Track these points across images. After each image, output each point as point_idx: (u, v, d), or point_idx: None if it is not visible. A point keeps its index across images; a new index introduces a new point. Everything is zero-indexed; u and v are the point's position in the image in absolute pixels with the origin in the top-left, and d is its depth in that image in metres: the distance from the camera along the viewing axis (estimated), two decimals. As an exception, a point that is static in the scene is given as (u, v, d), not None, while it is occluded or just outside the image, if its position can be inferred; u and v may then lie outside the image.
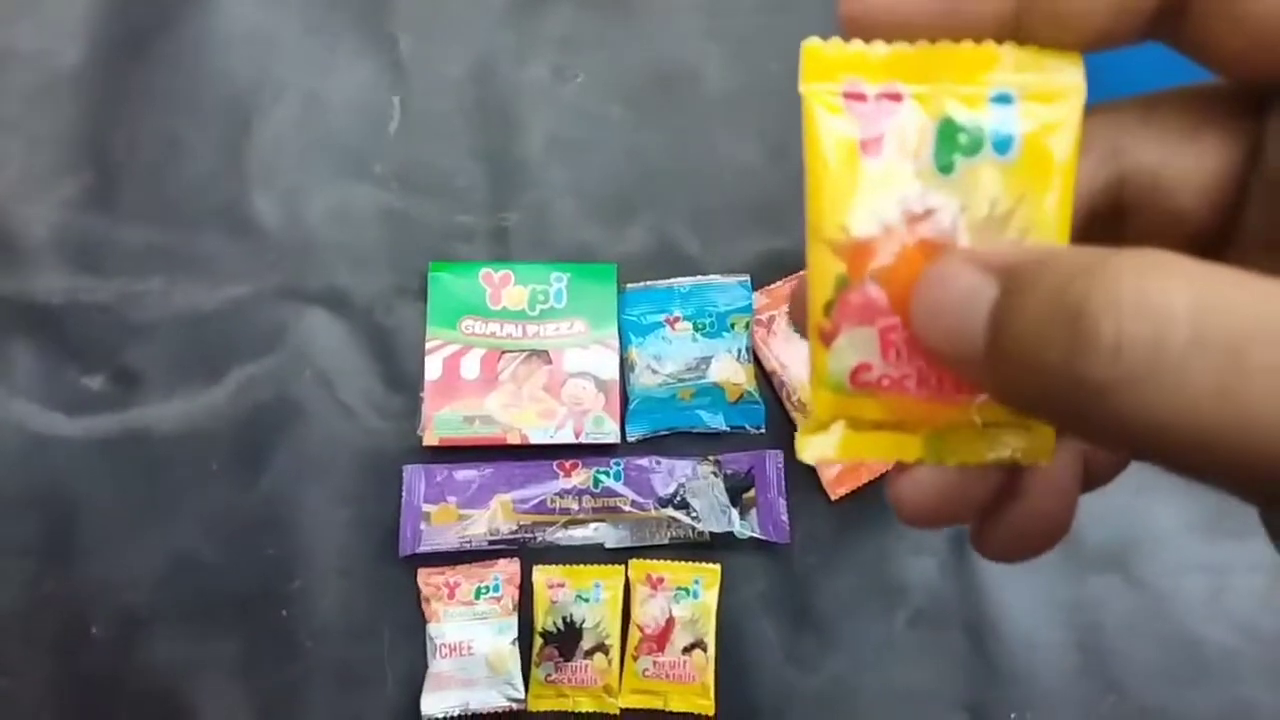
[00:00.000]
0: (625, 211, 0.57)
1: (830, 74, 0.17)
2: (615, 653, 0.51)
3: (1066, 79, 0.16)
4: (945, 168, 0.16)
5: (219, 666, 0.51)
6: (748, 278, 0.55)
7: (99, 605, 0.51)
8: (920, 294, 0.16)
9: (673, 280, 0.55)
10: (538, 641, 0.51)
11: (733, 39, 0.59)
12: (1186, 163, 0.17)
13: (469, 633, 0.51)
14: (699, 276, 0.55)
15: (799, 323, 0.19)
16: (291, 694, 0.51)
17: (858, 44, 0.16)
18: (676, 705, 0.51)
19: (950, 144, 0.16)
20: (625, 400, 0.54)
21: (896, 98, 0.16)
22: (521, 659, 0.51)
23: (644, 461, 0.53)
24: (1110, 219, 0.18)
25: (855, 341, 0.17)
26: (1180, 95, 0.17)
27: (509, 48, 0.59)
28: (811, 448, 0.18)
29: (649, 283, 0.55)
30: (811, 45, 0.17)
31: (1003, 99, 0.16)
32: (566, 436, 0.52)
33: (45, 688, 0.50)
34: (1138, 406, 0.13)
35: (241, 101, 0.57)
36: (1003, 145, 0.16)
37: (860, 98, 0.16)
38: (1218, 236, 0.17)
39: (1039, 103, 0.16)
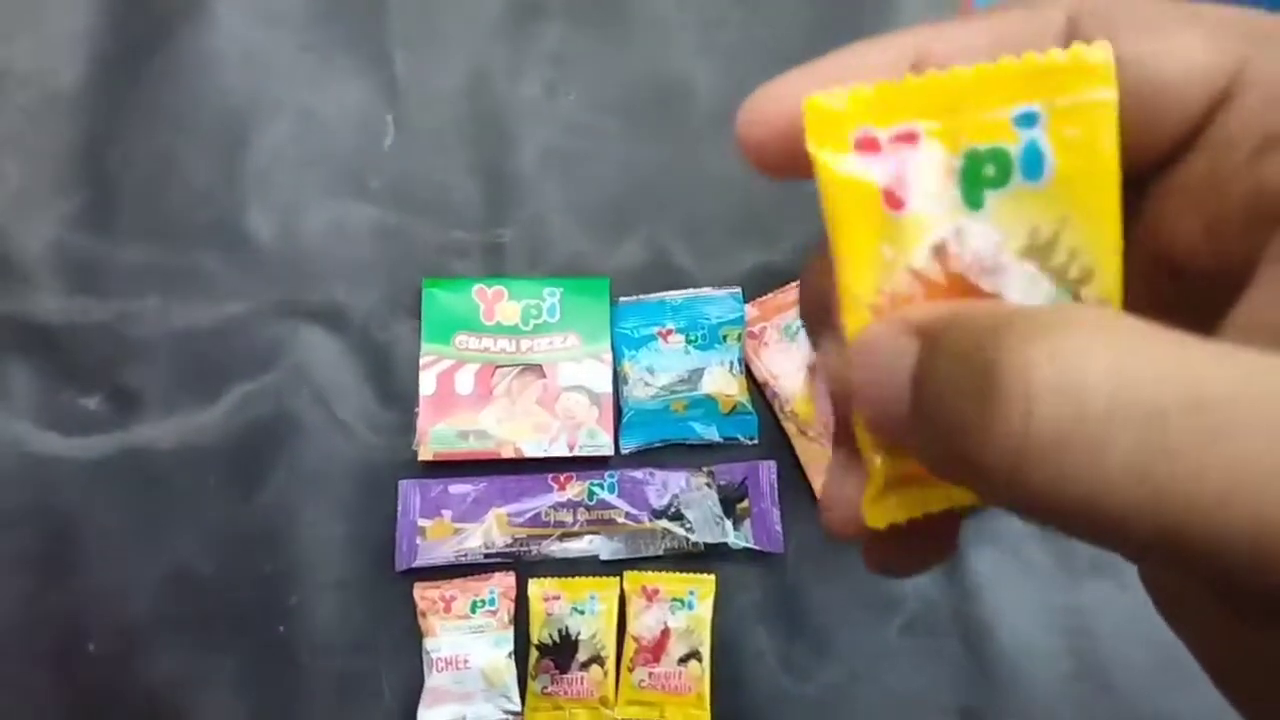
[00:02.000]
0: (618, 226, 0.57)
1: (838, 128, 0.15)
2: (611, 664, 0.52)
3: (1094, 84, 0.15)
4: (975, 204, 0.15)
5: (217, 681, 0.51)
6: (739, 290, 0.55)
7: (97, 621, 0.51)
8: (852, 368, 0.15)
9: (665, 293, 0.55)
10: (534, 654, 0.52)
11: (724, 53, 0.59)
12: None
13: (465, 646, 0.51)
14: (691, 289, 0.55)
15: (839, 411, 0.17)
16: (289, 708, 0.51)
17: (862, 87, 0.15)
18: (673, 716, 0.51)
19: (975, 177, 0.15)
20: (619, 413, 0.54)
21: (913, 138, 0.15)
22: (518, 671, 0.51)
23: (638, 473, 0.53)
24: None
25: None
26: None
27: (503, 64, 0.59)
28: (881, 512, 0.17)
29: (641, 296, 0.55)
30: (813, 101, 0.15)
31: (1026, 119, 0.15)
32: (561, 450, 0.53)
33: (43, 703, 0.50)
34: (1049, 478, 0.12)
35: (237, 119, 0.58)
36: (1033, 170, 0.15)
37: (874, 146, 0.15)
38: None
39: (1068, 115, 0.15)
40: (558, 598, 0.52)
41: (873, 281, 0.16)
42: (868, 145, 0.15)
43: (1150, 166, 0.16)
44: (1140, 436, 0.11)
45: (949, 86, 0.15)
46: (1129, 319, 0.12)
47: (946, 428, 0.13)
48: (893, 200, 0.15)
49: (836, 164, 0.15)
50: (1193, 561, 0.12)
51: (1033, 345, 0.12)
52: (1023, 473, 0.12)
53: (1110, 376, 0.11)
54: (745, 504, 0.53)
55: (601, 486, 0.53)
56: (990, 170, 0.15)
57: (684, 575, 0.52)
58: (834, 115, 0.15)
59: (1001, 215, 0.15)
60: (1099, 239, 0.15)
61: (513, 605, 0.52)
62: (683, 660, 0.51)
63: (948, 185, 0.15)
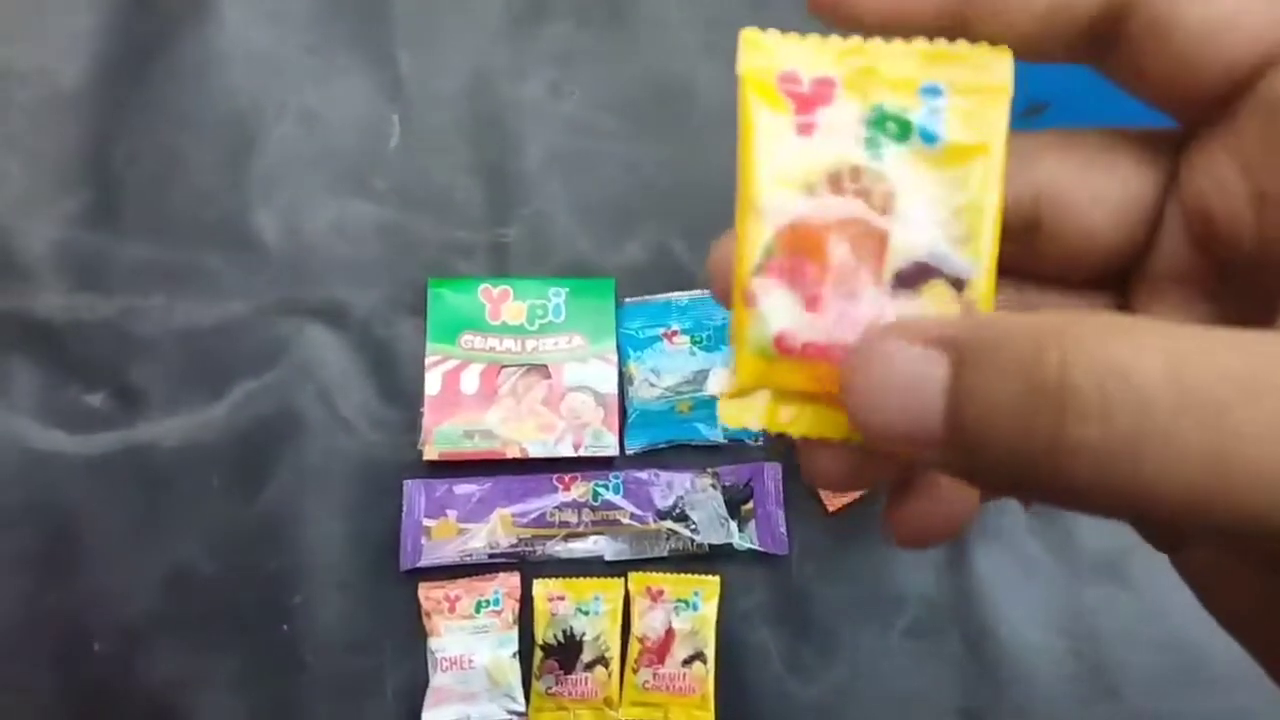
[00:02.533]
0: (623, 226, 0.57)
1: (766, 56, 0.17)
2: (615, 665, 0.52)
3: (995, 75, 0.17)
4: (874, 150, 0.17)
5: (220, 680, 0.51)
6: (744, 291, 0.55)
7: (100, 620, 0.51)
8: (854, 377, 0.15)
9: (670, 294, 0.55)
10: (538, 654, 0.52)
11: (727, 53, 0.59)
12: (1101, 185, 0.17)
13: (470, 646, 0.51)
14: (696, 290, 0.55)
15: (720, 289, 0.19)
16: (292, 708, 0.51)
17: (793, 35, 0.17)
18: (677, 717, 0.51)
19: (880, 130, 0.17)
20: (624, 413, 0.54)
21: (829, 84, 0.17)
22: (522, 672, 0.51)
23: (643, 474, 0.53)
24: (1022, 231, 0.18)
25: (780, 306, 0.17)
26: (1100, 130, 0.18)
27: (506, 64, 0.59)
28: (733, 412, 0.18)
29: (646, 297, 0.55)
30: (749, 33, 0.18)
31: (931, 91, 0.17)
32: (566, 450, 0.53)
33: (47, 702, 0.50)
34: (1126, 471, 0.12)
35: (243, 119, 0.58)
36: (929, 135, 0.17)
37: (795, 81, 0.17)
38: (1129, 261, 0.18)
39: (967, 96, 0.17)
40: (562, 598, 0.52)
41: (767, 189, 0.17)
42: (790, 80, 0.17)
43: (1193, 111, 0.16)
44: (1208, 424, 0.12)
45: (871, 51, 0.17)
46: (1163, 322, 0.13)
47: (1006, 441, 0.13)
48: (802, 127, 0.17)
49: (757, 86, 0.17)
50: (1266, 537, 0.12)
51: (1096, 355, 0.13)
52: (1102, 475, 0.13)
53: (1169, 370, 0.12)
54: (750, 505, 0.53)
55: (606, 487, 0.53)
56: (892, 127, 0.17)
57: (688, 576, 0.52)
58: (765, 47, 0.17)
59: (897, 166, 0.17)
60: (975, 207, 0.17)
61: (517, 605, 0.52)
62: (687, 661, 0.51)
63: (855, 130, 0.17)
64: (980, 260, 0.17)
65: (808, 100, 0.17)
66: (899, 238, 0.17)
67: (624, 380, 0.54)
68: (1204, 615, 0.54)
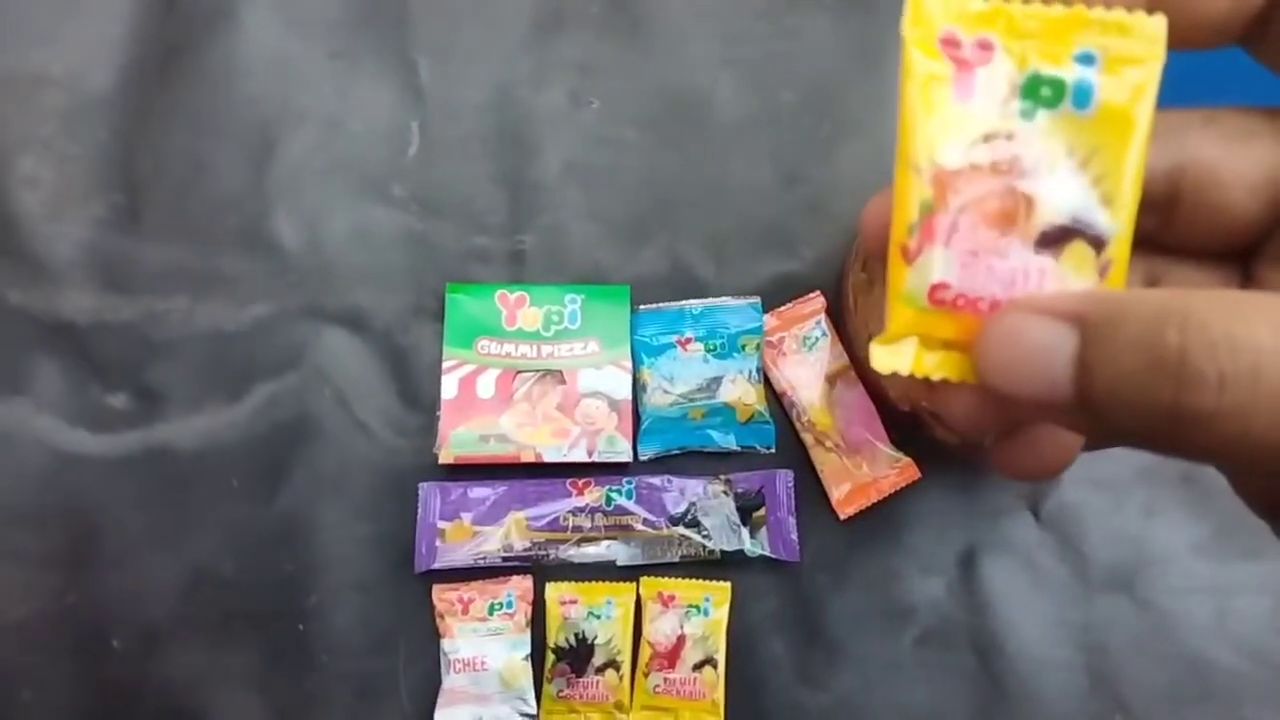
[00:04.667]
0: (639, 234, 0.58)
1: (930, 21, 0.18)
2: (626, 669, 0.52)
3: (1148, 45, 0.18)
4: (1027, 115, 0.18)
5: (237, 679, 0.52)
6: (758, 300, 0.56)
7: (120, 619, 0.52)
8: (991, 347, 0.17)
9: (685, 302, 0.56)
10: (550, 657, 0.52)
11: (746, 66, 0.60)
12: (1244, 162, 0.19)
13: (482, 648, 0.51)
14: (711, 298, 0.56)
15: (871, 243, 0.20)
16: (307, 707, 0.51)
17: None
18: (687, 722, 0.51)
19: (1034, 95, 0.18)
20: (637, 420, 0.54)
21: (988, 47, 0.18)
22: (534, 674, 0.52)
23: (656, 480, 0.54)
24: (1162, 204, 0.19)
25: (936, 260, 0.19)
26: (1243, 108, 0.19)
27: (527, 73, 0.60)
28: (884, 358, 0.19)
29: (661, 304, 0.56)
30: None
31: (1086, 59, 0.18)
32: (579, 455, 0.53)
33: (67, 700, 0.51)
34: (1239, 430, 0.14)
35: (265, 125, 0.59)
36: (1082, 100, 0.18)
37: (955, 44, 0.18)
38: (1259, 236, 0.19)
39: (1120, 64, 0.18)
40: (574, 602, 0.52)
41: (926, 149, 0.18)
42: (951, 42, 0.18)
43: None
44: None
45: (1030, 15, 0.18)
46: (1272, 295, 0.15)
47: (1136, 402, 0.15)
48: (960, 90, 0.18)
49: (920, 47, 0.18)
50: None
51: (1212, 330, 0.14)
52: (1213, 428, 0.14)
53: (1278, 341, 0.14)
54: (761, 512, 0.53)
55: (619, 492, 0.53)
56: (1046, 92, 0.18)
57: (700, 582, 0.53)
58: (930, 9, 0.18)
59: (1048, 131, 0.18)
60: (1121, 171, 0.18)
61: (530, 608, 0.52)
62: (697, 666, 0.52)
63: (1009, 94, 0.18)
64: (1120, 223, 0.18)
65: (967, 62, 0.18)
66: (1046, 199, 0.18)
67: (638, 386, 0.55)
68: (1213, 629, 0.54)
